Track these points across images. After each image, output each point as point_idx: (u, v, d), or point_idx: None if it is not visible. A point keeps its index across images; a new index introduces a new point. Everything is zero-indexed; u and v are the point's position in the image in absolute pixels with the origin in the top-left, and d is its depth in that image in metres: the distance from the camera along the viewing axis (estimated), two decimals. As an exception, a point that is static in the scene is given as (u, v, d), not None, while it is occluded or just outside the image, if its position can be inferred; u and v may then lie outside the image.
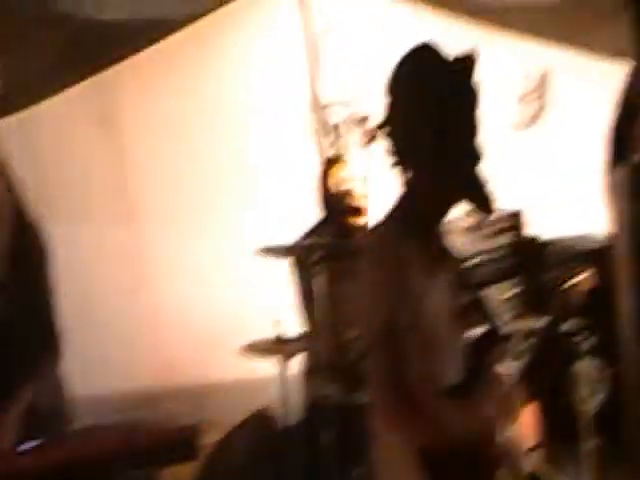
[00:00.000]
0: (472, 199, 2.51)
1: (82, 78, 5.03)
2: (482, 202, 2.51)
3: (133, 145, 5.14)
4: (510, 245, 5.54)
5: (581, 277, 3.41)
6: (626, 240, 5.32)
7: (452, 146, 2.46)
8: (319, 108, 5.15)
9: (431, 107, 2.45)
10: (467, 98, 2.48)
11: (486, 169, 2.49)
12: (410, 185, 2.54)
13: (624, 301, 5.33)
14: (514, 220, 5.57)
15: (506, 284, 5.43)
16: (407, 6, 5.43)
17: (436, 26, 5.42)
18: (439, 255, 2.53)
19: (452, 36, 5.45)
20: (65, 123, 5.14)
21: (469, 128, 2.49)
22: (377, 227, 2.59)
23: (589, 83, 5.93)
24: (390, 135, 2.53)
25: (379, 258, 2.45)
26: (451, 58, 2.48)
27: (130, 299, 5.10)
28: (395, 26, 5.33)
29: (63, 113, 5.10)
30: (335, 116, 5.16)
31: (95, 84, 5.05)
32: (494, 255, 5.45)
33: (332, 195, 4.62)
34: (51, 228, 3.19)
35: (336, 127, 4.99)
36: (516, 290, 5.47)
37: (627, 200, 5.29)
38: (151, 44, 4.98)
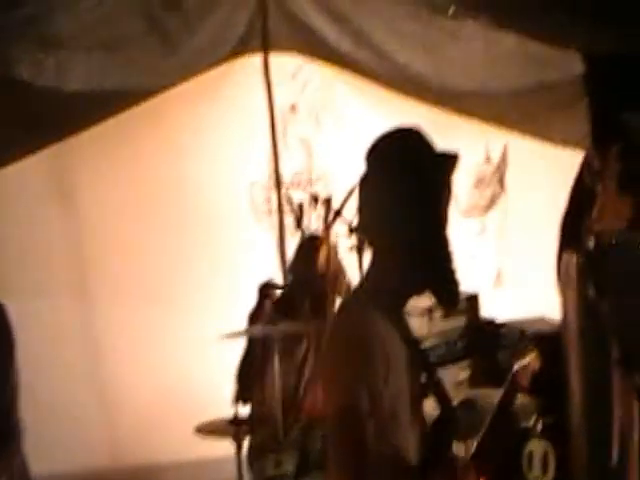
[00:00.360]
0: (436, 292, 2.52)
1: (40, 148, 5.04)
2: (446, 297, 2.53)
3: (91, 218, 5.10)
4: (464, 328, 5.61)
5: (532, 358, 3.45)
6: (575, 325, 5.43)
7: (421, 235, 2.47)
8: (282, 186, 5.18)
9: (407, 192, 2.45)
10: (443, 192, 2.50)
11: (454, 264, 2.51)
12: (377, 265, 2.54)
13: (574, 383, 5.42)
14: (469, 303, 5.64)
15: (459, 366, 5.49)
16: (369, 89, 5.52)
17: (397, 109, 5.53)
18: (402, 336, 2.51)
19: (413, 119, 5.62)
20: (22, 194, 5.10)
21: (439, 221, 2.51)
22: (344, 306, 2.60)
23: (546, 169, 6.05)
24: (361, 213, 2.53)
25: (345, 337, 2.43)
26: (436, 149, 2.51)
27: (83, 376, 5.04)
28: (357, 108, 5.45)
29: (20, 183, 5.06)
30: (298, 195, 5.21)
31: (53, 155, 5.04)
32: (448, 337, 5.50)
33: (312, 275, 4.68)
34: (5, 303, 3.16)
35: (300, 206, 5.03)
36: (469, 372, 5.56)
37: (577, 286, 5.39)
38: (111, 116, 4.99)
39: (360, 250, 4.25)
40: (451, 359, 5.40)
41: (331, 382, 2.44)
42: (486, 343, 5.66)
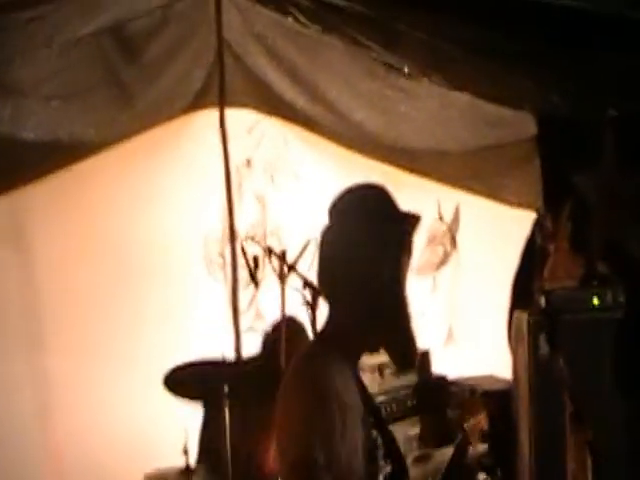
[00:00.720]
0: (391, 352, 2.56)
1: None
2: (401, 357, 2.58)
3: (43, 268, 5.06)
4: (415, 385, 5.65)
5: (482, 415, 3.50)
6: (526, 381, 5.50)
7: (379, 293, 2.50)
8: (236, 240, 5.22)
9: (368, 248, 2.49)
10: (403, 251, 2.55)
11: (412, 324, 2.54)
12: (333, 319, 2.57)
13: (524, 439, 5.49)
14: (420, 360, 5.65)
15: (410, 422, 5.53)
16: (324, 145, 5.63)
17: (351, 166, 5.63)
18: (356, 391, 2.54)
19: (366, 176, 5.71)
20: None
21: (398, 280, 2.55)
22: (299, 359, 2.59)
23: (497, 228, 6.16)
24: (321, 266, 2.57)
25: (300, 391, 2.44)
26: (399, 208, 2.57)
27: (32, 426, 4.99)
28: (312, 164, 5.55)
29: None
30: (252, 249, 5.25)
31: (7, 204, 5.05)
32: (399, 394, 5.55)
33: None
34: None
35: (255, 259, 5.08)
36: (419, 428, 5.58)
37: (528, 343, 5.48)
38: (67, 166, 5.01)
39: (313, 305, 4.34)
40: (401, 415, 5.45)
41: (286, 436, 2.44)
42: (436, 400, 5.72)
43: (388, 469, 2.57)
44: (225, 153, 5.20)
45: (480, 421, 3.41)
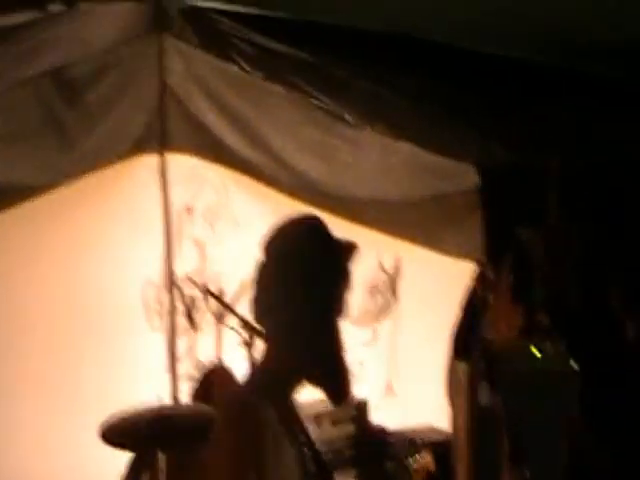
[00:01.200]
0: (325, 386, 2.54)
1: None
2: (335, 392, 2.56)
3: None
4: (353, 435, 5.68)
5: (428, 460, 3.52)
6: (465, 430, 5.55)
7: (314, 325, 2.51)
8: (174, 287, 5.22)
9: (301, 281, 2.51)
10: (340, 282, 2.56)
11: (346, 358, 2.54)
12: (268, 354, 2.57)
13: None
14: (358, 410, 5.73)
15: (348, 473, 5.55)
16: (265, 193, 5.66)
17: (293, 214, 5.64)
18: (291, 428, 2.53)
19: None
20: None
21: (334, 311, 2.55)
22: (233, 393, 2.63)
23: (439, 278, 6.24)
24: (255, 301, 2.57)
25: (233, 427, 2.43)
26: (335, 238, 2.61)
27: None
28: (253, 212, 5.56)
29: None
30: (189, 292, 5.26)
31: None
32: (336, 445, 5.57)
33: None
34: None
35: (192, 299, 5.09)
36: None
37: (467, 392, 5.54)
38: (4, 209, 4.97)
39: (251, 345, 4.36)
40: (339, 466, 5.47)
41: (218, 474, 2.41)
42: (374, 451, 5.75)
43: None
44: (165, 199, 5.19)
45: (427, 463, 3.43)
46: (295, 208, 5.66)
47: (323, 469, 2.62)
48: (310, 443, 2.62)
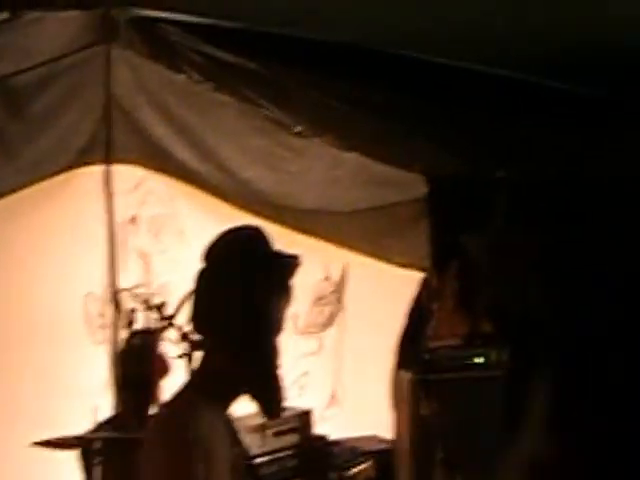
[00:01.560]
0: (259, 400, 2.55)
1: None
2: (268, 406, 2.56)
3: None
4: (296, 445, 5.71)
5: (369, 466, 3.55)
6: (407, 439, 5.63)
7: (250, 337, 2.50)
8: (118, 300, 5.21)
9: (241, 291, 2.50)
10: (279, 295, 2.56)
11: (281, 372, 2.55)
12: (205, 363, 2.57)
13: None
14: (302, 420, 5.70)
15: None
16: (212, 203, 5.66)
17: (238, 224, 5.66)
18: (227, 436, 2.54)
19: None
20: None
21: (272, 324, 2.55)
22: (168, 403, 2.60)
23: (385, 288, 6.28)
24: (195, 310, 2.57)
25: (166, 437, 2.43)
26: (277, 250, 2.61)
27: None
28: (199, 223, 5.56)
29: None
30: (131, 304, 5.24)
31: None
32: (280, 454, 5.59)
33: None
34: None
35: (132, 310, 5.08)
36: None
37: (410, 401, 5.62)
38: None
39: (190, 357, 4.34)
40: (282, 477, 5.49)
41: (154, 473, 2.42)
42: (318, 461, 5.79)
43: None
44: (109, 210, 5.17)
45: (366, 470, 3.46)
46: (241, 218, 5.70)
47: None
48: (246, 456, 2.65)
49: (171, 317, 4.72)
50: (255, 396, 2.55)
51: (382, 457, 5.82)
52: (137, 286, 5.27)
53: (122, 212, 5.26)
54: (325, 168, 5.82)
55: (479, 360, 5.76)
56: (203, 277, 2.58)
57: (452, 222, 6.33)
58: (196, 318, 2.58)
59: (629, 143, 5.63)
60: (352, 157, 5.79)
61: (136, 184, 5.38)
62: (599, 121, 5.70)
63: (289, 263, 2.60)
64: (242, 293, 2.50)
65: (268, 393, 2.55)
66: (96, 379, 5.17)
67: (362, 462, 5.82)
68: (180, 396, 2.58)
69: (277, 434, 5.59)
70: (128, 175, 5.36)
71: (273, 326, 2.56)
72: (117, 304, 5.18)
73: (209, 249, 2.63)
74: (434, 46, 5.33)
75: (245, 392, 2.56)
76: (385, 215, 6.20)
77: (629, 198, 5.64)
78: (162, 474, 2.38)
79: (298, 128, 5.52)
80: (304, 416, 5.75)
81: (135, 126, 5.34)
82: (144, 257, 5.36)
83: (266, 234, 2.63)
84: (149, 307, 4.86)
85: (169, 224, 5.47)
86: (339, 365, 6.10)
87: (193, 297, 2.58)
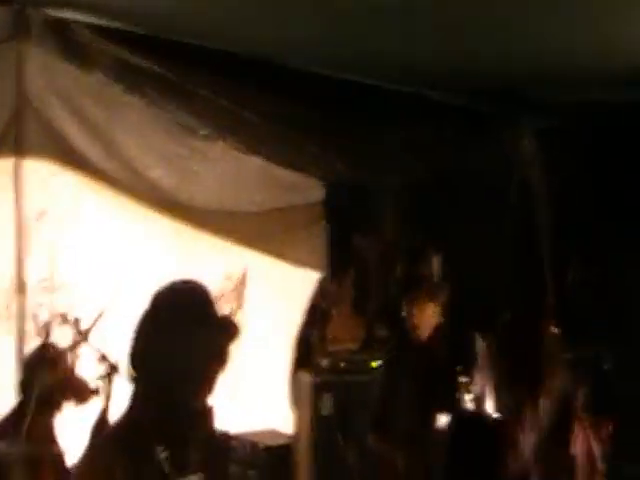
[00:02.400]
0: (169, 453, 2.67)
1: None
2: (176, 461, 2.70)
3: None
4: (198, 440, 5.86)
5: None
6: (307, 438, 5.85)
7: (178, 395, 2.65)
8: (24, 293, 5.31)
9: (175, 343, 2.62)
10: (214, 356, 2.71)
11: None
12: (134, 405, 2.69)
13: None
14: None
15: (193, 478, 5.74)
16: (119, 201, 5.83)
17: (145, 222, 5.90)
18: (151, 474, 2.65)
19: (160, 234, 5.98)
20: None
21: (202, 387, 2.72)
22: (91, 448, 2.86)
23: (284, 286, 6.54)
24: (134, 345, 2.68)
25: (89, 476, 2.60)
26: (222, 318, 2.75)
27: None
28: (105, 219, 5.76)
29: None
30: (44, 308, 5.37)
31: None
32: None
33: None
34: None
35: (47, 325, 5.13)
36: None
37: (310, 403, 5.85)
38: None
39: (110, 378, 4.50)
40: (184, 472, 5.64)
41: None
42: (218, 455, 5.97)
43: None
44: (19, 203, 5.27)
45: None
46: (147, 216, 5.92)
47: None
48: None
49: (86, 332, 4.91)
50: (166, 450, 2.67)
51: (280, 451, 6.04)
52: (44, 280, 5.43)
53: (31, 207, 5.37)
54: (228, 170, 6.11)
55: (374, 363, 6.05)
56: (144, 318, 2.69)
57: (347, 226, 6.67)
58: (133, 358, 2.68)
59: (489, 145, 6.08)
60: (255, 161, 6.12)
61: (46, 180, 5.50)
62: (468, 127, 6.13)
63: (229, 330, 2.74)
64: (177, 350, 2.61)
65: (180, 451, 2.73)
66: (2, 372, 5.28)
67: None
68: (103, 444, 2.75)
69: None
70: (38, 170, 5.44)
71: (203, 387, 2.73)
72: (24, 297, 5.30)
73: (158, 294, 2.71)
74: (339, 64, 5.72)
75: (168, 441, 2.67)
76: (285, 217, 6.51)
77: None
78: None
79: (203, 131, 5.81)
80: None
81: (46, 123, 5.44)
82: (51, 251, 5.49)
83: (214, 299, 2.76)
84: (65, 321, 5.02)
85: (77, 220, 5.62)
86: (239, 361, 6.27)
87: (133, 333, 2.68)
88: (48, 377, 4.86)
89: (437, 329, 5.72)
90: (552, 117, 6.18)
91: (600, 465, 4.91)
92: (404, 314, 5.65)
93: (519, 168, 6.21)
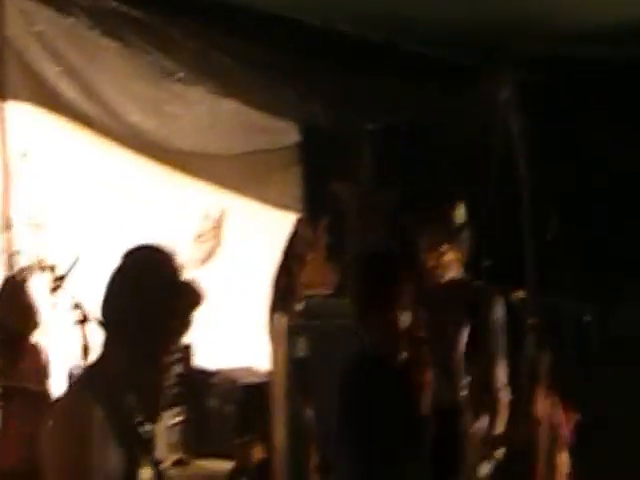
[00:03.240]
0: (142, 404, 2.75)
1: None
2: (148, 413, 2.78)
3: None
4: (177, 375, 6.05)
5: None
6: (282, 379, 6.04)
7: (145, 349, 2.71)
8: (9, 230, 5.51)
9: (146, 305, 2.70)
10: (179, 321, 2.76)
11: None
12: (105, 353, 2.78)
13: (277, 432, 6.04)
14: (183, 352, 6.07)
15: (172, 412, 5.95)
16: (99, 143, 6.06)
17: (125, 164, 6.13)
18: (121, 428, 2.70)
19: (136, 176, 6.18)
20: None
21: (167, 345, 2.78)
22: (65, 393, 2.81)
23: (261, 228, 6.76)
24: (104, 302, 2.77)
25: (58, 425, 2.65)
26: (188, 285, 2.78)
27: None
28: (86, 161, 5.97)
29: None
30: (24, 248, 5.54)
31: None
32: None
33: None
34: None
35: (26, 269, 5.29)
36: (180, 418, 6.03)
37: (285, 345, 6.03)
38: None
39: (82, 324, 4.69)
40: (164, 405, 5.86)
41: (49, 465, 2.63)
42: (197, 390, 6.21)
43: None
44: (3, 143, 5.50)
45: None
46: (127, 158, 6.13)
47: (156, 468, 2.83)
48: (142, 443, 2.79)
49: (62, 278, 5.10)
50: (139, 401, 2.75)
51: (256, 389, 6.28)
52: (28, 218, 5.64)
53: (14, 147, 5.57)
54: (205, 113, 6.27)
55: (348, 309, 6.22)
56: (116, 276, 2.79)
57: (323, 171, 6.80)
58: (104, 310, 2.78)
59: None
60: (231, 104, 6.27)
61: (28, 122, 5.69)
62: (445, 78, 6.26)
63: (193, 296, 2.79)
64: (144, 305, 2.71)
65: (150, 404, 2.80)
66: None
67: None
68: (74, 391, 2.81)
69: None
70: (20, 112, 5.66)
71: (167, 345, 2.79)
72: (10, 233, 5.50)
73: (128, 255, 2.82)
74: (312, 8, 5.79)
75: (137, 391, 2.74)
76: (261, 160, 6.71)
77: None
78: (56, 465, 2.62)
79: (180, 75, 5.94)
80: (185, 349, 6.14)
81: (26, 66, 5.64)
82: (34, 191, 5.69)
83: (180, 265, 2.80)
84: (42, 267, 5.21)
85: (59, 161, 5.83)
86: (216, 299, 6.44)
87: (106, 288, 2.77)
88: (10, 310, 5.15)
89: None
90: (535, 71, 6.23)
91: (563, 432, 4.96)
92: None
93: (501, 120, 6.25)
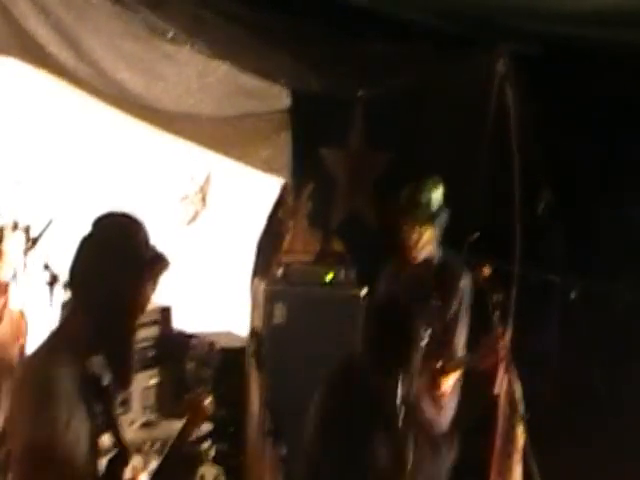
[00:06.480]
0: (112, 369, 2.88)
1: None
2: (119, 377, 2.92)
3: None
4: (156, 337, 6.19)
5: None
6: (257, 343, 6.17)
7: (112, 313, 2.86)
8: None
9: (112, 269, 2.86)
10: (145, 285, 2.92)
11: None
12: (72, 317, 2.94)
13: (253, 398, 6.20)
14: (162, 314, 6.27)
15: (149, 373, 6.12)
16: (84, 100, 6.17)
17: (111, 124, 6.27)
18: (85, 384, 2.82)
19: (122, 135, 6.30)
20: None
21: (133, 309, 2.93)
22: (34, 352, 2.93)
23: (246, 191, 6.86)
24: (73, 265, 2.93)
25: (28, 384, 2.82)
26: (153, 251, 2.95)
27: None
28: (71, 117, 6.12)
29: None
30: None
31: None
32: (140, 345, 6.06)
33: None
34: None
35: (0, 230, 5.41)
36: (157, 380, 6.20)
37: (263, 311, 6.17)
38: None
39: (52, 285, 4.84)
40: (142, 366, 5.92)
41: (16, 425, 2.81)
42: (176, 352, 6.35)
43: (113, 453, 2.92)
44: None
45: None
46: (114, 116, 6.24)
47: (114, 427, 2.94)
48: (104, 403, 2.90)
49: (35, 240, 5.25)
50: (109, 365, 2.88)
51: (235, 353, 6.39)
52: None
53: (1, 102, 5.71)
54: (195, 75, 6.34)
55: (329, 277, 6.37)
56: (86, 242, 2.95)
57: (313, 136, 6.88)
58: (73, 274, 2.94)
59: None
60: (221, 66, 6.33)
61: (14, 77, 5.84)
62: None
63: (159, 261, 2.94)
64: (112, 271, 2.86)
65: (120, 367, 2.92)
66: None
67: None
68: (44, 350, 2.91)
69: (139, 326, 6.12)
70: (7, 68, 5.82)
71: (134, 309, 2.94)
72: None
73: (98, 220, 2.97)
74: None
75: (106, 355, 2.86)
76: (250, 123, 6.76)
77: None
78: (26, 415, 2.76)
79: (171, 34, 6.00)
80: (164, 312, 6.31)
81: (13, 22, 5.74)
82: (16, 146, 5.81)
83: (147, 233, 2.97)
84: (16, 227, 5.36)
85: (45, 117, 5.95)
86: (197, 261, 6.61)
87: (75, 252, 2.94)
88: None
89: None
90: (532, 45, 6.26)
91: (520, 407, 5.08)
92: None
93: (496, 91, 6.27)
